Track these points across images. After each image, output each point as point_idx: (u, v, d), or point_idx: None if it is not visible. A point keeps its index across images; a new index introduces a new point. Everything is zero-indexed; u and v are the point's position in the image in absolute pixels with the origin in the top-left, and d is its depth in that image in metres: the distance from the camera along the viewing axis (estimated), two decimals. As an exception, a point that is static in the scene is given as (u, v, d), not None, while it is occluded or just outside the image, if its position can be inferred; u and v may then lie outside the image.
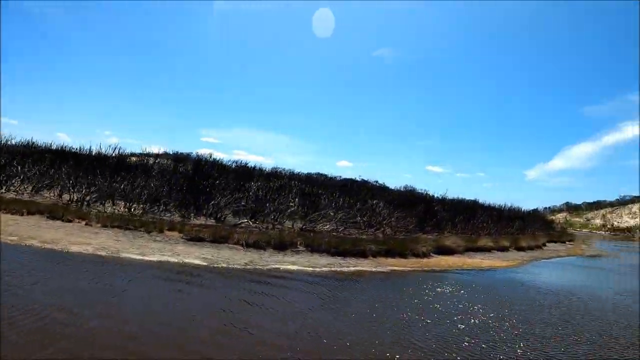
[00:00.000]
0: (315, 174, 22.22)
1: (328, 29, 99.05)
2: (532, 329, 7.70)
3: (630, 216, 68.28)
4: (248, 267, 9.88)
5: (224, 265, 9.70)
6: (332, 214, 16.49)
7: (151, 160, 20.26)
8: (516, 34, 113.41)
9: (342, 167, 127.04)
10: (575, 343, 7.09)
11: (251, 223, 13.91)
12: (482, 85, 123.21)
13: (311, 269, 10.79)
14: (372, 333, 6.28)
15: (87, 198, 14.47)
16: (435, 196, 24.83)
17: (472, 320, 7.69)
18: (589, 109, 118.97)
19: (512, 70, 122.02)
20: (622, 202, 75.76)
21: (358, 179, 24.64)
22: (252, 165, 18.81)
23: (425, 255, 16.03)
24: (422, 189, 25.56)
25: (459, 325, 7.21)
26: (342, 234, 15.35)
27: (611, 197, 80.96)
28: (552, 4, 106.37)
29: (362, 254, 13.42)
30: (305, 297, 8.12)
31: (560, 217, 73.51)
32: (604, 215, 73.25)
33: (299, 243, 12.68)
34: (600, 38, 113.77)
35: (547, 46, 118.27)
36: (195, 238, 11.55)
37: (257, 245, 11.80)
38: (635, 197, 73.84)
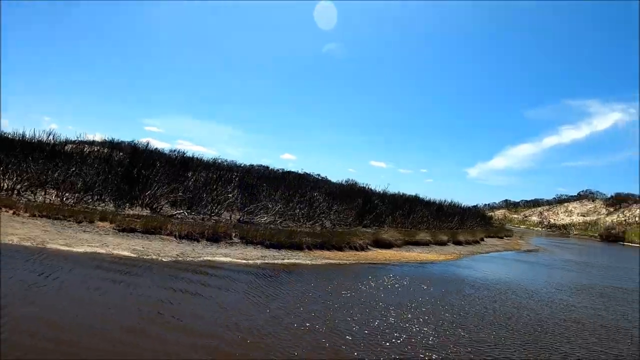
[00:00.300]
0: (257, 165, 22.26)
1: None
2: (465, 320, 8.19)
3: (566, 214, 72.83)
4: (179, 259, 9.80)
5: (154, 257, 9.55)
6: (270, 206, 16.62)
7: (88, 148, 19.61)
8: (464, 35, 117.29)
9: (286, 160, 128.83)
10: (508, 337, 7.47)
11: (187, 214, 13.83)
12: (428, 85, 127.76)
13: (244, 261, 10.83)
14: (294, 329, 6.33)
15: (18, 186, 13.90)
16: (376, 190, 25.53)
17: (405, 315, 8.01)
18: (530, 112, 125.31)
19: (458, 72, 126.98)
20: (559, 201, 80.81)
21: (300, 171, 24.94)
22: (191, 155, 18.52)
23: (362, 248, 16.45)
24: (363, 183, 26.18)
25: (391, 320, 7.51)
26: (280, 227, 15.46)
27: (548, 196, 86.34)
28: (496, 4, 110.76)
29: (298, 247, 13.63)
30: (232, 291, 8.07)
31: (499, 213, 77.64)
32: (541, 213, 77.72)
33: (233, 235, 12.70)
34: (542, 42, 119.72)
35: (493, 50, 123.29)
36: (126, 229, 11.30)
37: (190, 237, 11.70)
38: (571, 196, 79.18)
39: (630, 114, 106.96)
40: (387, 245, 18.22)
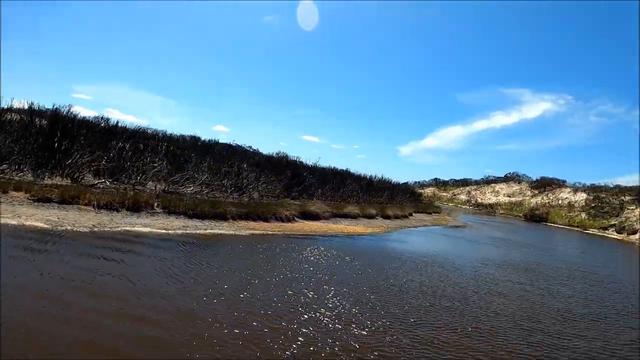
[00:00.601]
0: (188, 136, 22.05)
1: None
2: (389, 294, 8.42)
3: (493, 194, 76.59)
4: (95, 229, 9.68)
5: (69, 227, 9.39)
6: (197, 176, 16.71)
7: (8, 116, 18.48)
8: (404, 18, 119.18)
9: (219, 132, 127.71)
10: (433, 311, 7.67)
11: (110, 184, 13.69)
12: (366, 63, 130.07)
13: (164, 231, 10.87)
14: (206, 301, 6.30)
15: None
16: (306, 163, 26.00)
17: (325, 287, 8.14)
18: (464, 96, 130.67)
19: (397, 54, 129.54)
20: (487, 182, 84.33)
21: (233, 143, 24.96)
22: (116, 123, 17.95)
23: (289, 219, 16.87)
24: (294, 156, 26.52)
25: (310, 294, 7.53)
26: (206, 197, 15.60)
27: (477, 177, 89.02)
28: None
29: (222, 217, 13.89)
30: (147, 262, 7.95)
31: (428, 191, 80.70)
32: (469, 192, 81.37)
33: (156, 205, 12.75)
34: (482, 30, 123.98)
35: (434, 34, 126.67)
36: (42, 199, 11.00)
37: (110, 207, 11.55)
38: (498, 177, 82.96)
39: (559, 105, 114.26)
40: (314, 217, 18.71)
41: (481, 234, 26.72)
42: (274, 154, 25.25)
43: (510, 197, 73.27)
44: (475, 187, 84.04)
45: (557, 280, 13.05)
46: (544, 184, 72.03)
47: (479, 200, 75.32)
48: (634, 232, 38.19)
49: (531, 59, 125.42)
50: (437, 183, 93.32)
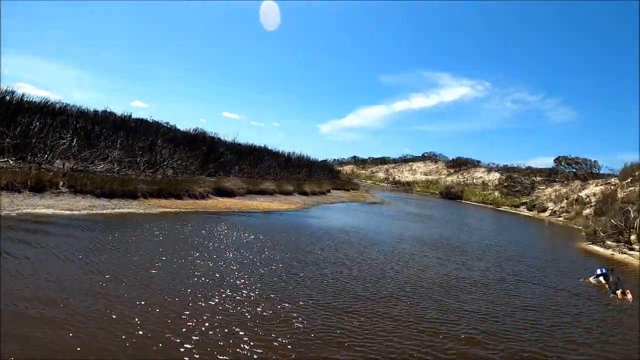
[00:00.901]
0: (101, 111, 21.44)
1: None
2: (304, 270, 8.60)
3: (411, 172, 79.48)
4: None
5: None
6: (108, 152, 16.56)
7: None
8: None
9: (137, 108, 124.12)
10: (350, 285, 7.97)
11: (13, 162, 13.37)
12: (289, 44, 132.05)
13: (69, 212, 10.69)
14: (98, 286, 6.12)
15: None
16: (224, 140, 26.12)
17: (233, 267, 8.09)
18: (386, 77, 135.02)
19: (321, 36, 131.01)
20: (405, 160, 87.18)
21: (150, 119, 24.59)
22: (21, 96, 17.09)
23: (203, 196, 16.98)
24: (212, 133, 26.48)
25: (217, 275, 7.45)
26: (118, 175, 15.50)
27: (395, 155, 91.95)
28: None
29: (132, 195, 13.94)
30: (44, 247, 7.53)
31: (347, 169, 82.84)
32: (387, 170, 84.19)
33: (61, 184, 12.59)
34: (408, 14, 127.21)
35: (361, 16, 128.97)
36: None
37: (10, 187, 11.15)
38: (416, 156, 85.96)
39: (477, 91, 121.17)
40: (229, 193, 19.01)
41: (398, 210, 27.48)
42: (191, 130, 25.14)
43: (427, 175, 76.23)
44: (393, 165, 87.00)
45: (471, 255, 13.46)
46: (459, 164, 75.60)
47: (397, 178, 77.95)
48: (544, 210, 42.24)
49: (453, 45, 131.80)
50: (356, 161, 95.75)
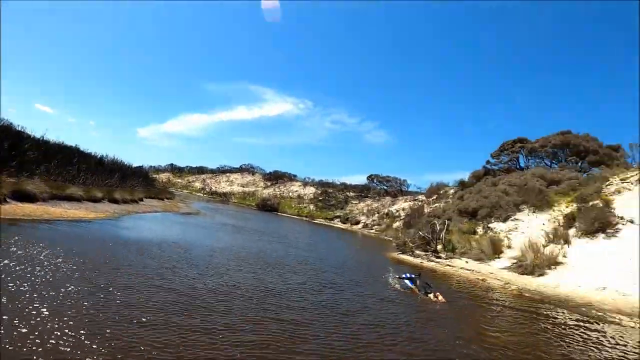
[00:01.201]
0: None
1: None
2: (106, 291, 7.41)
3: (228, 184, 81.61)
4: None
5: None
6: None
7: None
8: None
9: None
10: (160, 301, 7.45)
11: None
12: (111, 38, 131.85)
13: None
14: None
15: None
16: (33, 135, 22.84)
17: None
18: (211, 86, 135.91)
19: (148, 37, 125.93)
20: (222, 171, 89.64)
21: None
22: None
23: None
24: (19, 126, 22.81)
25: None
26: None
27: (213, 165, 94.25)
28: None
29: None
30: None
31: (164, 176, 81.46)
32: (204, 180, 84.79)
33: None
34: (242, 31, 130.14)
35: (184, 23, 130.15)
36: None
37: None
38: (234, 168, 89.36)
39: (299, 109, 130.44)
40: (31, 198, 17.22)
41: (214, 221, 27.75)
42: (-6, 123, 21.35)
43: (244, 187, 79.36)
44: (210, 175, 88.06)
45: (284, 267, 13.59)
46: (276, 177, 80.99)
47: (214, 188, 79.13)
48: (357, 223, 47.42)
49: (280, 63, 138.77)
50: (173, 169, 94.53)
